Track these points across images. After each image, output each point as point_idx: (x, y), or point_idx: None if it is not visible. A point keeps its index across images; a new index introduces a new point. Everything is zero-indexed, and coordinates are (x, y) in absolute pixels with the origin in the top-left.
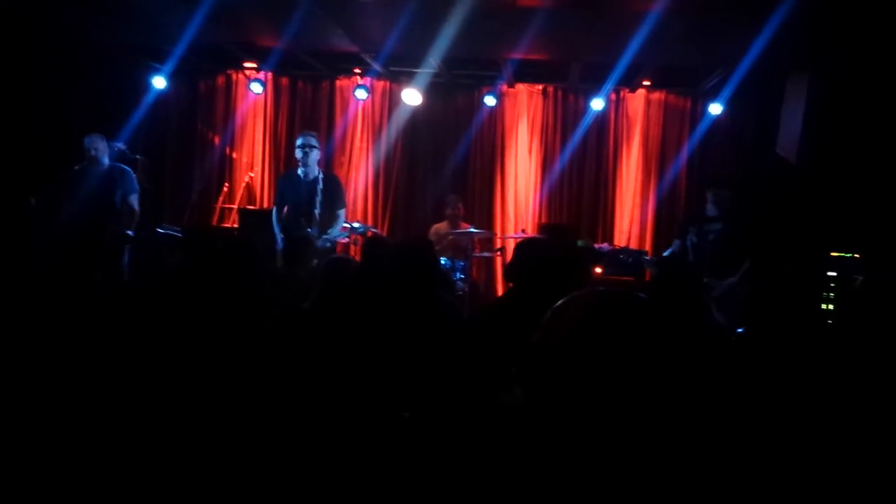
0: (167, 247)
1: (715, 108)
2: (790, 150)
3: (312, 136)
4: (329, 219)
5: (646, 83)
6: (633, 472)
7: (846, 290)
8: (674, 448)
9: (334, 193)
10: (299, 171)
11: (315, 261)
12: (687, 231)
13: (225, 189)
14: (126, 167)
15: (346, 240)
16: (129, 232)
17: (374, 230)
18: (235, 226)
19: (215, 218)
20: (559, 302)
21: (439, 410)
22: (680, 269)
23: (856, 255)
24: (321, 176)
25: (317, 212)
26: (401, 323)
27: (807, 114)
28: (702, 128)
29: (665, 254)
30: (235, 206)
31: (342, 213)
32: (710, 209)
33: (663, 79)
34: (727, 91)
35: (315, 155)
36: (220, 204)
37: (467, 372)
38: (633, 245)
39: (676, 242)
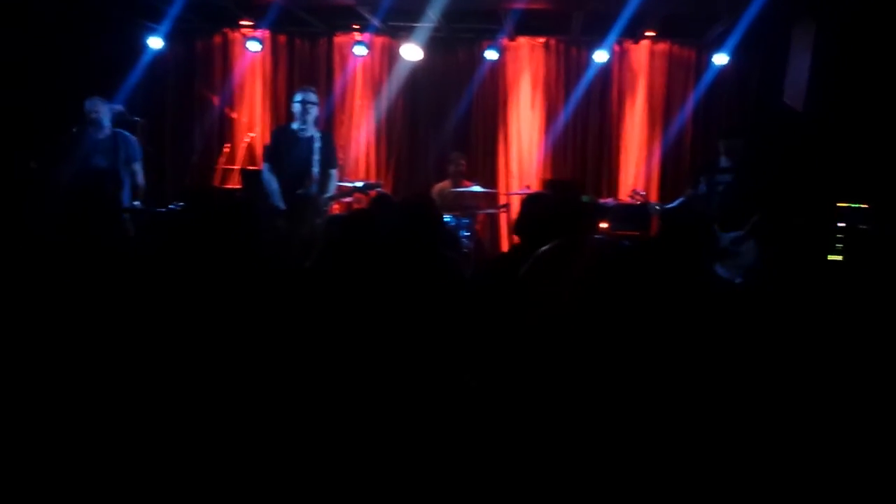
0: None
1: (720, 59)
2: (797, 99)
3: (312, 92)
4: (325, 178)
5: (649, 34)
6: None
7: (854, 240)
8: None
9: (329, 153)
10: (294, 126)
11: (317, 220)
12: (698, 181)
13: (226, 150)
14: (129, 134)
15: (350, 199)
16: (136, 203)
17: (379, 189)
18: (238, 187)
19: (217, 179)
20: (544, 248)
21: (445, 369)
22: (687, 219)
23: (863, 206)
24: (318, 134)
25: (315, 170)
26: (404, 281)
27: (813, 62)
28: (707, 79)
29: (674, 204)
30: (237, 167)
31: (334, 172)
32: (723, 160)
33: (667, 29)
34: (732, 41)
35: (314, 112)
36: (221, 165)
37: (471, 329)
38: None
39: (690, 192)
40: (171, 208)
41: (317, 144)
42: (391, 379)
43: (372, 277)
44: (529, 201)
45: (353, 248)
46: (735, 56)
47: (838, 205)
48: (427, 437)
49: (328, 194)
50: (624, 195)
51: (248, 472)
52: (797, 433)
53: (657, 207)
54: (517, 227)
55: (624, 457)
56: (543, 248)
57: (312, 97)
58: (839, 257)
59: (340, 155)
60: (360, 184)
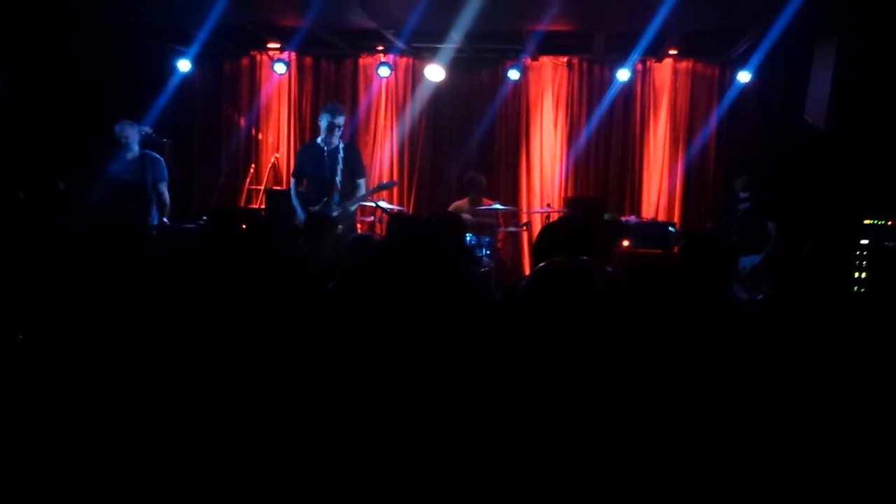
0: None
1: (743, 76)
2: (818, 117)
3: (341, 113)
4: (350, 188)
5: (672, 52)
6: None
7: (879, 257)
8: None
9: (355, 162)
10: (319, 141)
11: (339, 227)
12: (719, 217)
13: (251, 170)
14: (157, 155)
15: (372, 218)
16: (165, 219)
17: (395, 185)
18: (262, 206)
19: (242, 199)
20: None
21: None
22: (709, 242)
23: (888, 223)
24: (342, 145)
25: (338, 180)
26: (427, 298)
27: (835, 79)
28: (730, 96)
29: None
30: (262, 187)
31: (363, 182)
32: (741, 195)
33: (690, 47)
34: (756, 58)
35: (340, 130)
36: (247, 185)
37: (500, 350)
38: (662, 217)
39: (712, 227)
40: (194, 225)
41: (341, 155)
42: (415, 399)
43: (394, 300)
44: (545, 233)
45: (374, 267)
46: (758, 73)
47: (863, 221)
48: (449, 450)
49: (353, 202)
50: (646, 213)
51: (272, 487)
52: (816, 453)
53: (675, 232)
54: (534, 256)
55: (638, 470)
56: (544, 263)
57: (340, 120)
58: (864, 274)
59: (366, 163)
60: (384, 204)
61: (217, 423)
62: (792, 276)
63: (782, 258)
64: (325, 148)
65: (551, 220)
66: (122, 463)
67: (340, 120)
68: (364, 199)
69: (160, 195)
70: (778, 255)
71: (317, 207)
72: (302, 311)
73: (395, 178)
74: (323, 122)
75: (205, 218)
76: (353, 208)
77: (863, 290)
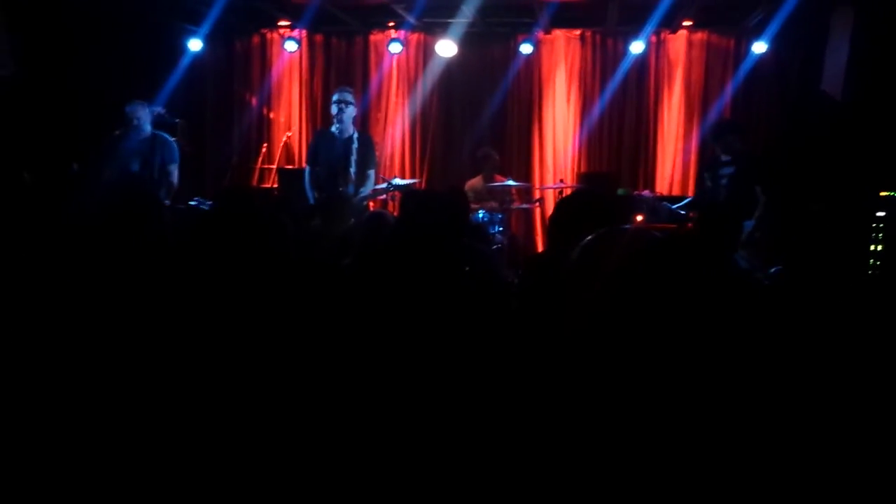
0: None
1: (759, 47)
2: (835, 87)
3: (349, 91)
4: (362, 178)
5: (687, 23)
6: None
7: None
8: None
9: (367, 153)
10: (333, 129)
11: (352, 219)
12: (703, 178)
13: (263, 149)
14: (169, 137)
15: (384, 196)
16: (167, 201)
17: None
18: (275, 186)
19: (255, 178)
20: (587, 239)
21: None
22: (724, 213)
23: None
24: (356, 135)
25: (352, 170)
26: (435, 278)
27: (852, 48)
28: (745, 67)
29: (685, 202)
30: (274, 167)
31: (372, 173)
32: (722, 156)
33: (705, 18)
34: (771, 29)
35: (350, 111)
36: (259, 164)
37: (513, 329)
38: (676, 191)
39: (698, 191)
40: (194, 204)
41: (354, 145)
42: (423, 375)
43: (404, 274)
44: (563, 204)
45: (387, 246)
46: (774, 44)
47: (880, 193)
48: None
49: (364, 194)
50: (661, 187)
51: (273, 472)
52: (823, 429)
53: (665, 205)
54: (551, 230)
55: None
56: (588, 238)
57: (349, 97)
58: (880, 247)
59: (378, 154)
60: (397, 181)
61: (232, 400)
62: (804, 248)
63: (774, 223)
64: (339, 136)
65: (564, 195)
66: (135, 438)
67: (348, 97)
68: (376, 194)
69: (169, 177)
70: (769, 219)
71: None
72: (317, 289)
73: (407, 155)
74: (333, 107)
75: (210, 201)
76: (363, 204)
77: (878, 262)
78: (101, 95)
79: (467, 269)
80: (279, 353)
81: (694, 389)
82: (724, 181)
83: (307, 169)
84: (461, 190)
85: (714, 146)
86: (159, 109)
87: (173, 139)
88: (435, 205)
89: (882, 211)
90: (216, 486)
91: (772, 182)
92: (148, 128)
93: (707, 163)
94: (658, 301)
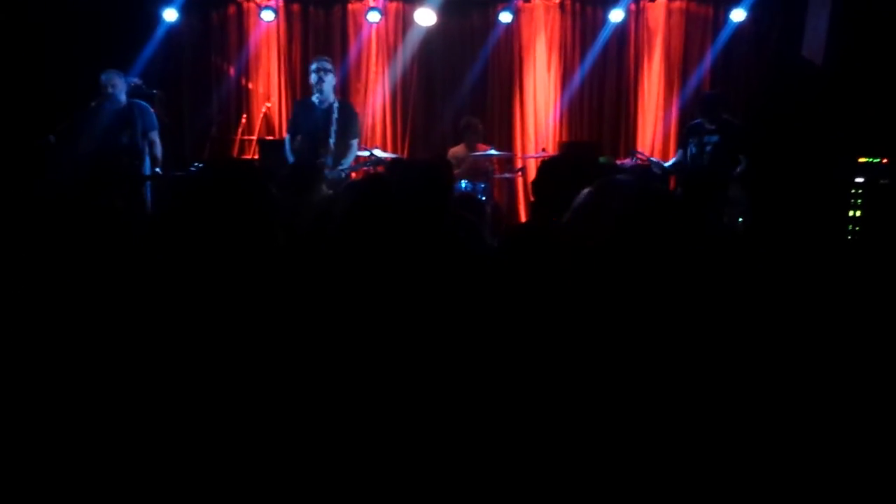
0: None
1: (737, 15)
2: (816, 53)
3: (327, 60)
4: (343, 148)
5: None
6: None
7: (874, 195)
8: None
9: (349, 122)
10: (314, 98)
11: (329, 191)
12: (687, 142)
13: (243, 120)
14: (145, 104)
15: (366, 168)
16: (158, 170)
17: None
18: (255, 157)
19: (235, 149)
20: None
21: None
22: (707, 177)
23: (883, 161)
24: (336, 104)
25: (331, 141)
26: (420, 246)
27: (832, 14)
28: (724, 36)
29: (668, 164)
30: (254, 138)
31: (355, 143)
32: (706, 124)
33: None
34: None
35: (330, 80)
36: (239, 135)
37: (493, 299)
38: (657, 157)
39: (679, 152)
40: (189, 172)
41: (335, 115)
42: (410, 348)
43: (389, 243)
44: (546, 167)
45: (371, 215)
46: (753, 12)
47: (858, 160)
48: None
49: (345, 166)
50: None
51: (266, 455)
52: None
53: (663, 165)
54: (535, 192)
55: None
56: (586, 191)
57: (327, 65)
58: (858, 213)
59: (358, 111)
60: (378, 152)
61: (223, 375)
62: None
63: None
64: (319, 106)
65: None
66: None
67: (327, 65)
68: (356, 168)
69: (152, 144)
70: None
71: None
72: (298, 257)
73: (388, 125)
74: (312, 76)
75: (197, 165)
76: (343, 175)
77: (857, 228)
78: (77, 67)
79: (461, 236)
80: (268, 328)
81: (680, 347)
82: (708, 148)
83: (287, 138)
84: (446, 159)
85: (701, 115)
86: (136, 80)
87: (151, 109)
88: (420, 173)
89: (860, 177)
90: (202, 458)
91: (753, 151)
92: (123, 97)
93: (692, 128)
94: (651, 252)
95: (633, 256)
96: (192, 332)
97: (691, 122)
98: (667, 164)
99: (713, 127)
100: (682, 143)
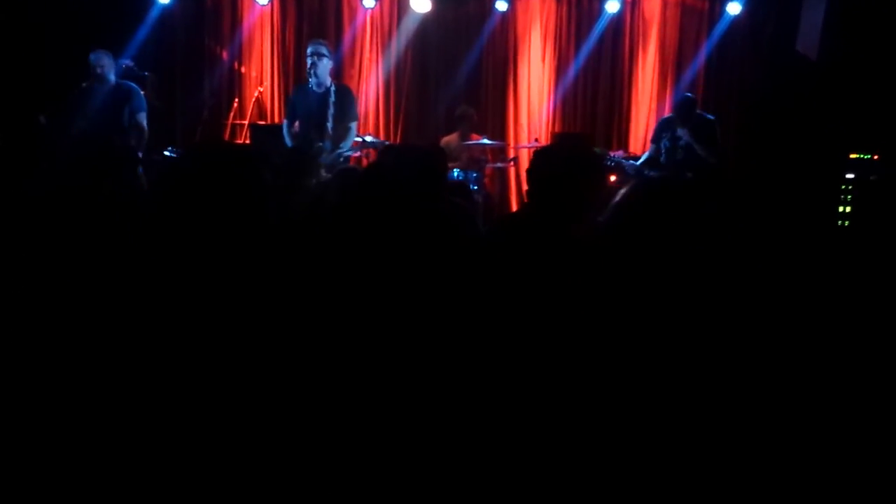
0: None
1: (733, 8)
2: (811, 48)
3: (322, 43)
4: (341, 132)
5: None
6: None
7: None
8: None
9: (346, 105)
10: (310, 83)
11: (328, 175)
12: (661, 137)
13: (235, 104)
14: (133, 84)
15: (359, 154)
16: (139, 154)
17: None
18: (247, 142)
19: (227, 134)
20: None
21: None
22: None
23: (874, 157)
24: (333, 87)
25: (329, 125)
26: (412, 232)
27: (828, 8)
28: (720, 28)
29: (639, 162)
30: (246, 122)
31: (354, 126)
32: (679, 131)
33: None
34: None
35: (325, 63)
36: (231, 120)
37: (485, 285)
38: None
39: (652, 147)
40: (169, 154)
41: (331, 98)
42: (402, 332)
43: (381, 230)
44: (541, 155)
45: (364, 200)
46: (748, 5)
47: (850, 156)
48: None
49: (343, 149)
50: (634, 148)
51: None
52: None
53: (634, 165)
54: (530, 180)
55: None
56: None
57: (322, 49)
58: (848, 208)
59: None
60: (370, 138)
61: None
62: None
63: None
64: (316, 90)
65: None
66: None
67: (322, 49)
68: (355, 150)
69: (139, 126)
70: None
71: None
72: (290, 243)
73: (381, 112)
74: (308, 59)
75: (172, 149)
76: (342, 159)
77: (847, 223)
78: (69, 48)
79: (455, 222)
80: (261, 313)
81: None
82: (681, 142)
83: (285, 123)
84: (439, 147)
85: (677, 117)
86: (128, 62)
87: (140, 90)
88: (414, 160)
89: (851, 173)
90: (196, 449)
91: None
92: (112, 77)
93: (664, 122)
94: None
95: (665, 252)
96: (185, 319)
97: (663, 117)
98: (637, 163)
99: (684, 132)
100: (655, 138)
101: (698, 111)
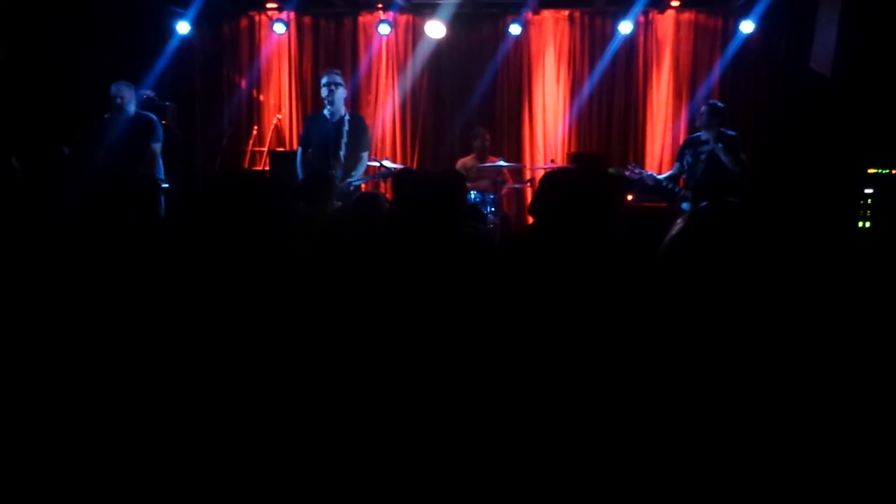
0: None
1: (746, 26)
2: (824, 64)
3: (337, 73)
4: (353, 161)
5: (674, 3)
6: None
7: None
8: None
9: (359, 135)
10: (325, 112)
11: (339, 203)
12: (683, 154)
13: (254, 132)
14: (152, 116)
15: (378, 179)
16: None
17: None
18: (266, 168)
19: (246, 161)
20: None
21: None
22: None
23: (893, 171)
24: (347, 116)
25: (342, 153)
26: (428, 257)
27: (841, 25)
28: (733, 47)
29: (662, 177)
30: (265, 149)
31: (365, 156)
32: (703, 134)
33: None
34: (759, 8)
35: (341, 93)
36: (250, 147)
37: (498, 303)
38: (666, 170)
39: (676, 166)
40: (204, 184)
41: (345, 127)
42: (416, 357)
43: (401, 257)
44: (546, 181)
45: (381, 225)
46: (762, 23)
47: (867, 171)
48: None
49: (355, 178)
50: (650, 167)
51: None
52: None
53: (655, 177)
54: (532, 209)
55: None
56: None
57: (337, 78)
58: (867, 223)
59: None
60: (388, 163)
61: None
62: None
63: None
64: (330, 119)
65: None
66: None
67: (337, 78)
68: (365, 179)
69: (152, 156)
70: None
71: None
72: (305, 271)
73: (397, 137)
74: (323, 89)
75: (207, 185)
76: (352, 188)
77: (866, 239)
78: (91, 79)
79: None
80: (276, 343)
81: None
82: (703, 156)
83: (299, 151)
84: (457, 171)
85: (706, 123)
86: (149, 93)
87: (160, 121)
88: (432, 186)
89: (870, 188)
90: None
91: (743, 154)
92: (132, 108)
93: (689, 140)
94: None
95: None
96: (209, 342)
97: (688, 136)
98: (661, 177)
99: (708, 136)
100: (679, 157)
101: (723, 128)
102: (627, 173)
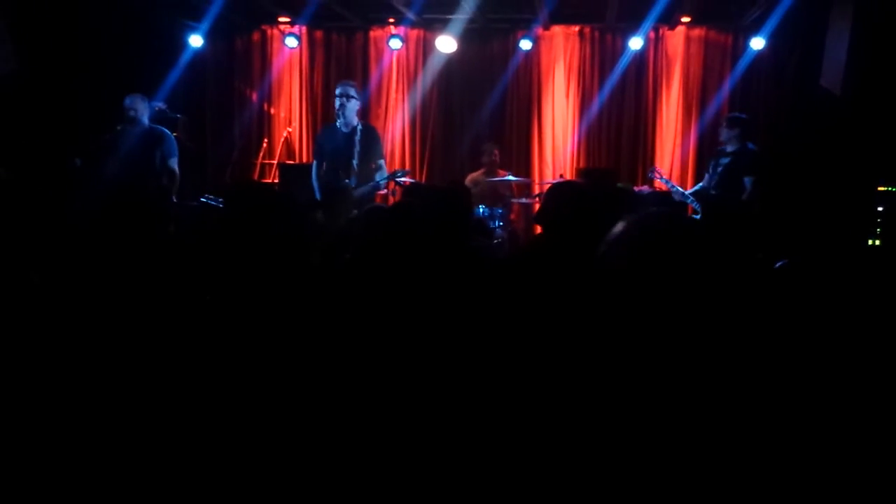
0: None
1: (757, 43)
2: (835, 82)
3: (350, 85)
4: (367, 170)
5: (685, 20)
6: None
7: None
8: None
9: (372, 144)
10: (338, 123)
11: (355, 211)
12: (709, 165)
13: (264, 145)
14: (165, 130)
15: (384, 191)
16: (173, 197)
17: (405, 174)
18: (276, 181)
19: (256, 173)
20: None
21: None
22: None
23: None
24: (360, 127)
25: (355, 162)
26: (436, 270)
27: (851, 43)
28: (743, 63)
29: (689, 192)
30: (275, 162)
31: (383, 163)
32: (728, 147)
33: (703, 14)
34: (769, 24)
35: (353, 105)
36: (260, 160)
37: (502, 316)
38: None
39: (705, 177)
40: (204, 201)
41: (358, 137)
42: (423, 368)
43: (407, 268)
44: (553, 192)
45: (391, 240)
46: (772, 40)
47: (878, 189)
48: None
49: (369, 186)
50: (659, 183)
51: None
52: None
53: (683, 192)
54: (539, 217)
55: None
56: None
57: (351, 91)
58: (878, 241)
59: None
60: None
61: (244, 397)
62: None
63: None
64: (343, 130)
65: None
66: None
67: (351, 90)
68: (378, 188)
69: (171, 171)
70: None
71: None
72: (316, 283)
73: (407, 151)
74: (336, 101)
75: (218, 197)
76: (367, 195)
77: (876, 257)
78: (104, 92)
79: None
80: (286, 353)
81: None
82: (720, 169)
83: (314, 164)
84: (464, 185)
85: (727, 136)
86: (160, 105)
87: (173, 134)
88: (438, 200)
89: (881, 206)
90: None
91: (761, 175)
92: (146, 121)
93: (714, 153)
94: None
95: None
96: (226, 352)
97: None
98: (688, 192)
99: (731, 149)
100: (708, 168)
101: (746, 141)
102: (650, 175)
